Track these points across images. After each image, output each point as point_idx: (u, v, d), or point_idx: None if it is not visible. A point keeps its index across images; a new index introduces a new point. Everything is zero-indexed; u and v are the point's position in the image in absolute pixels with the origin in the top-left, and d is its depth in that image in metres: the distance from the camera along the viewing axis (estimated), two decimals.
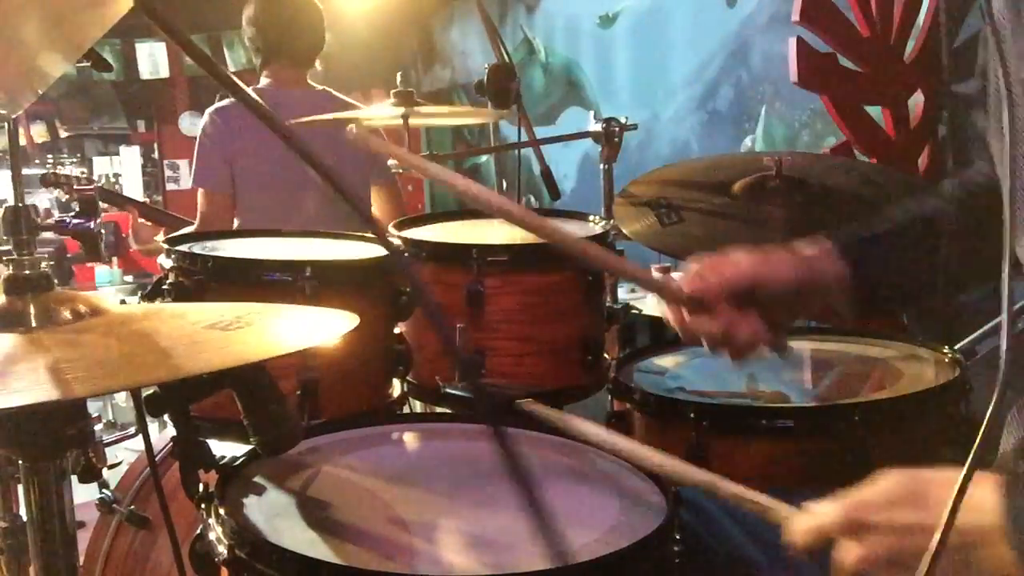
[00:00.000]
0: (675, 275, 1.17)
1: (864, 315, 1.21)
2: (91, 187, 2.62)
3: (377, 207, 2.95)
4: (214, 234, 1.71)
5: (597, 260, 1.22)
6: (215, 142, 2.72)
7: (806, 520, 0.85)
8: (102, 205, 2.69)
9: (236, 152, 2.71)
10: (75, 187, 2.82)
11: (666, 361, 1.62)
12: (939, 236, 1.15)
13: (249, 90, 0.62)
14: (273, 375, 1.00)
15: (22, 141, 6.93)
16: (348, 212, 2.33)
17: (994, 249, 0.98)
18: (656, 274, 1.24)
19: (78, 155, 7.35)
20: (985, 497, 0.79)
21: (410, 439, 1.27)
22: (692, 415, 1.36)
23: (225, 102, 2.79)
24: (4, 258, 0.94)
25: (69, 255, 5.55)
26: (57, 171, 3.05)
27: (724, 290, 1.11)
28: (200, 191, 2.78)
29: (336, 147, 2.77)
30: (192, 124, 7.13)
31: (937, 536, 0.73)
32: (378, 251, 1.63)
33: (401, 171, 1.88)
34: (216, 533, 0.94)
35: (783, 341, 1.18)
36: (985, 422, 0.76)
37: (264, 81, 2.87)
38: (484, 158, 6.06)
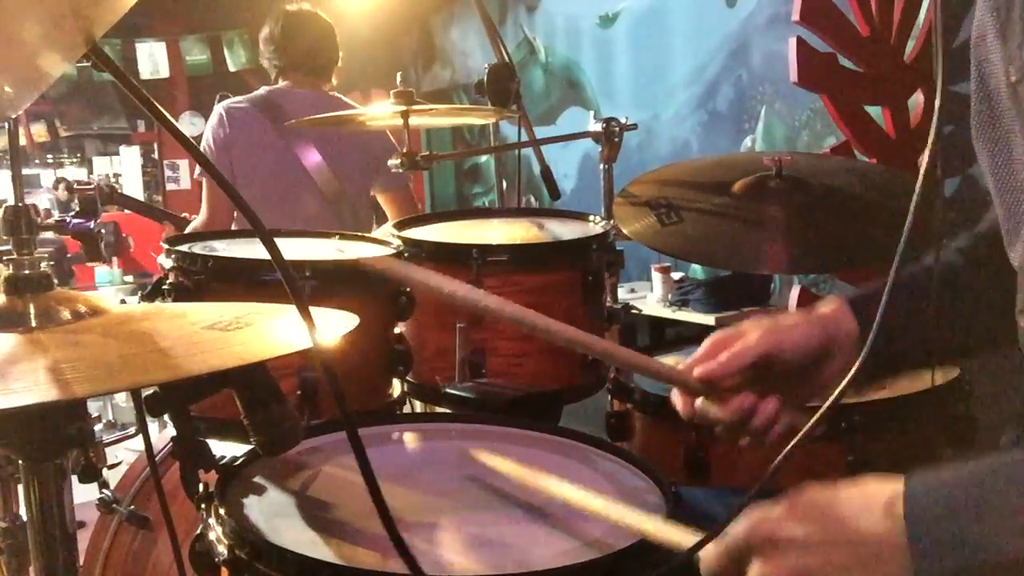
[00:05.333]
0: (687, 360, 1.06)
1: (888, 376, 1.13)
2: (91, 186, 2.62)
3: (390, 213, 2.95)
4: (214, 234, 1.71)
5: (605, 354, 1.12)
6: (221, 136, 2.76)
7: (715, 545, 0.82)
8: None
9: (240, 149, 2.74)
10: (76, 187, 2.84)
11: (666, 361, 1.62)
12: (955, 291, 1.05)
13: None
14: (273, 375, 1.00)
15: (22, 141, 6.93)
16: (348, 213, 2.34)
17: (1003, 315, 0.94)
18: (664, 361, 1.11)
19: (78, 155, 7.35)
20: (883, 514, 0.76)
21: (410, 439, 1.27)
22: None
23: (237, 99, 2.82)
24: (4, 258, 0.94)
25: (69, 255, 5.55)
26: (70, 182, 3.18)
27: (735, 368, 1.01)
28: (205, 182, 2.84)
29: (338, 149, 2.79)
30: (192, 124, 7.13)
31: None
32: (377, 251, 1.63)
33: (401, 172, 1.87)
34: (216, 533, 0.94)
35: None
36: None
37: (282, 83, 2.92)
38: (484, 158, 6.06)
